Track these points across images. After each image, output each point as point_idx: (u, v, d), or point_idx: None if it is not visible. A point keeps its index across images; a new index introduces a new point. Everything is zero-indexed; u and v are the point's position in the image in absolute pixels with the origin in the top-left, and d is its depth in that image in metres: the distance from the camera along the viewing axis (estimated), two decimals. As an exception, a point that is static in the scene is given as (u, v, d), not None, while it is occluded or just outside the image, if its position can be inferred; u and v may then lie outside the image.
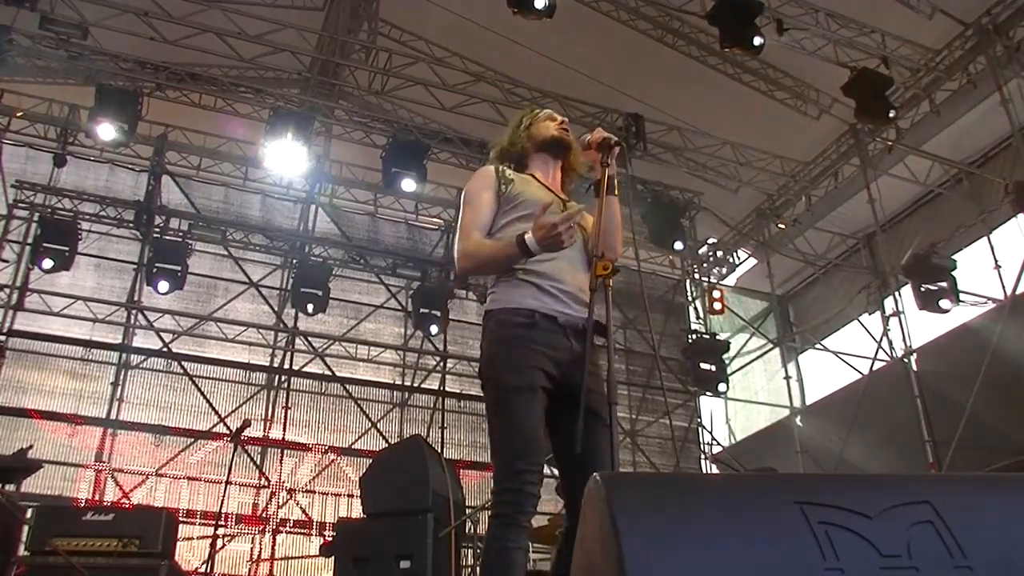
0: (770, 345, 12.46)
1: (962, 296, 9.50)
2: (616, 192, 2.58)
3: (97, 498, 8.64)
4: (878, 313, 10.43)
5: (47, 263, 9.04)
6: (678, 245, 10.73)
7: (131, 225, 9.95)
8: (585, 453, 2.06)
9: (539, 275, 2.47)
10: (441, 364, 11.21)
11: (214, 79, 9.78)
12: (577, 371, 2.25)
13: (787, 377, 11.89)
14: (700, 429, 12.05)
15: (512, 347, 2.39)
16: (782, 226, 11.65)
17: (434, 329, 10.74)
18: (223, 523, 8.49)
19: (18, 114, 10.15)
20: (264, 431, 9.87)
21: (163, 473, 9.16)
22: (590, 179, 2.64)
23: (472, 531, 5.62)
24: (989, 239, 9.69)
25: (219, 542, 8.08)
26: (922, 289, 9.38)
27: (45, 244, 9.06)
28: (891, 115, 9.17)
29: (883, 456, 9.57)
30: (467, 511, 5.68)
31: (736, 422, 12.81)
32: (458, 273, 2.66)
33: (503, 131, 2.94)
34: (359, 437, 10.20)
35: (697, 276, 12.57)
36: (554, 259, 2.47)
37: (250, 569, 8.78)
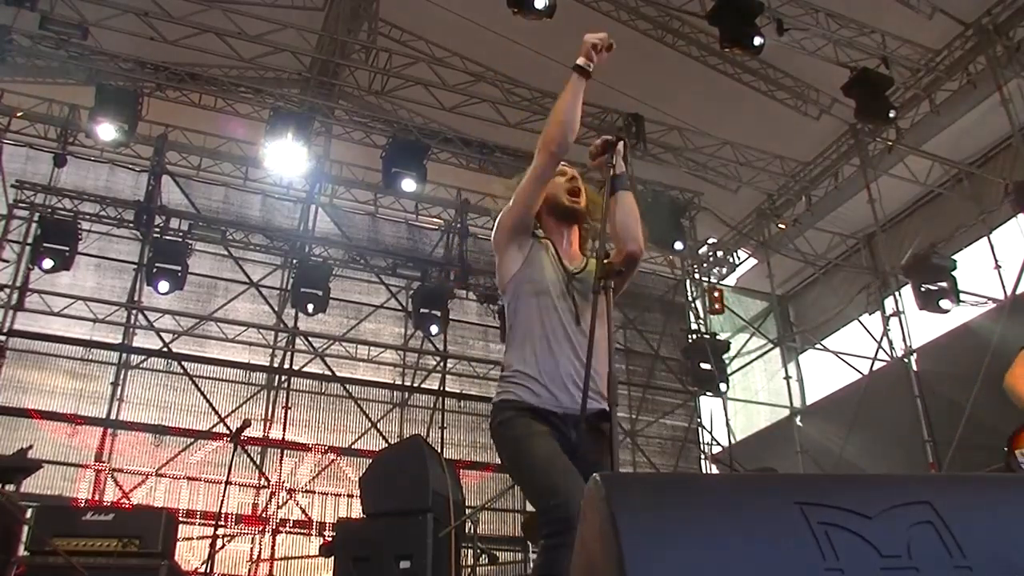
0: (770, 345, 12.46)
1: (962, 296, 9.50)
2: (629, 187, 2.61)
3: (97, 498, 8.64)
4: (878, 313, 10.44)
5: (47, 263, 9.04)
6: (678, 245, 10.74)
7: (131, 225, 9.95)
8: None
9: (536, 370, 2.48)
10: (441, 364, 11.21)
11: (214, 79, 9.78)
12: (576, 460, 2.31)
13: (787, 377, 11.89)
14: (700, 429, 12.05)
15: (518, 420, 2.44)
16: (782, 226, 11.65)
17: (434, 329, 10.73)
18: (223, 523, 8.50)
19: (18, 114, 10.14)
20: (264, 431, 9.86)
21: (163, 473, 9.16)
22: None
23: (472, 531, 5.61)
24: (989, 239, 9.69)
25: (219, 542, 8.08)
26: (922, 289, 9.38)
27: (45, 244, 9.05)
28: (891, 115, 9.17)
29: (883, 456, 9.58)
30: (467, 511, 5.68)
31: (736, 422, 12.80)
32: (553, 152, 2.61)
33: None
34: (359, 437, 10.20)
35: (697, 276, 12.57)
36: (556, 349, 2.49)
37: (250, 569, 8.78)
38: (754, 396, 12.75)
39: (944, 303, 9.35)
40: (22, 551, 5.00)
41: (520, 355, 2.53)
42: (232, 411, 9.78)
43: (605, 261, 2.36)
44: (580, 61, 2.58)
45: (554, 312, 2.54)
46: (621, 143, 2.60)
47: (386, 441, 10.07)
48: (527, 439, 2.39)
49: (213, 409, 9.71)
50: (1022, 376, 3.64)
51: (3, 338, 8.96)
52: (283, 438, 9.87)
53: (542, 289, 2.56)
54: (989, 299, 9.65)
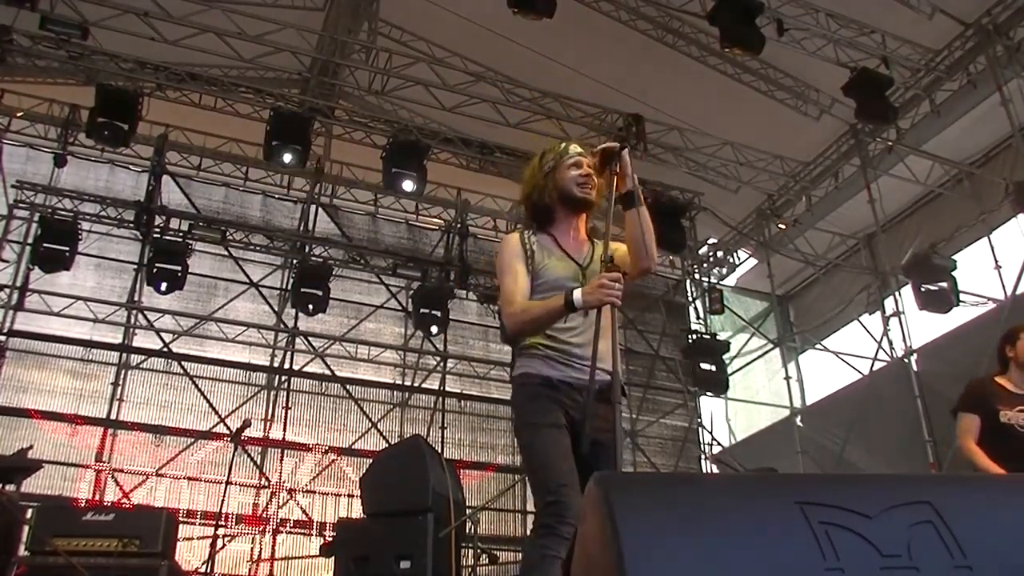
0: (770, 345, 12.46)
1: (962, 296, 9.50)
2: (639, 203, 2.61)
3: (97, 498, 8.64)
4: (878, 313, 10.43)
5: (47, 263, 9.04)
6: (678, 246, 10.73)
7: (131, 225, 9.94)
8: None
9: (553, 348, 2.64)
10: (441, 364, 11.21)
11: (214, 79, 9.78)
12: (588, 422, 2.43)
13: (787, 377, 11.88)
14: (700, 429, 12.05)
15: (534, 400, 2.60)
16: (782, 226, 11.65)
17: (434, 329, 10.74)
18: (223, 523, 8.50)
19: (18, 114, 10.14)
20: (264, 431, 9.86)
21: (163, 473, 9.16)
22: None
23: (472, 531, 5.61)
24: (989, 239, 9.69)
25: (219, 542, 8.08)
26: (922, 289, 9.38)
27: (45, 244, 9.05)
28: (891, 115, 9.17)
29: (883, 456, 9.58)
30: (467, 511, 5.68)
31: (736, 422, 12.81)
32: (510, 336, 2.77)
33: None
34: (359, 437, 10.20)
35: (697, 276, 12.57)
36: (571, 331, 2.64)
37: (250, 569, 8.77)
38: (754, 396, 12.75)
39: (944, 303, 9.35)
40: (22, 551, 5.01)
41: (536, 337, 2.66)
42: (232, 411, 9.78)
43: (608, 264, 2.43)
44: (576, 298, 2.47)
45: None
46: (625, 150, 2.57)
47: (386, 441, 10.07)
48: (541, 431, 2.53)
49: (213, 409, 9.71)
50: (967, 448, 3.73)
51: (3, 338, 8.96)
52: (283, 438, 9.87)
53: (555, 287, 2.64)
54: (989, 299, 9.65)
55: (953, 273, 9.49)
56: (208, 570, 6.96)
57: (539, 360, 2.63)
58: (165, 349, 10.00)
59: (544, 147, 2.92)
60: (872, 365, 10.27)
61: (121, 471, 9.02)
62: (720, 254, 12.70)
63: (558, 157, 2.79)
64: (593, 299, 2.43)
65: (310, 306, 10.08)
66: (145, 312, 10.07)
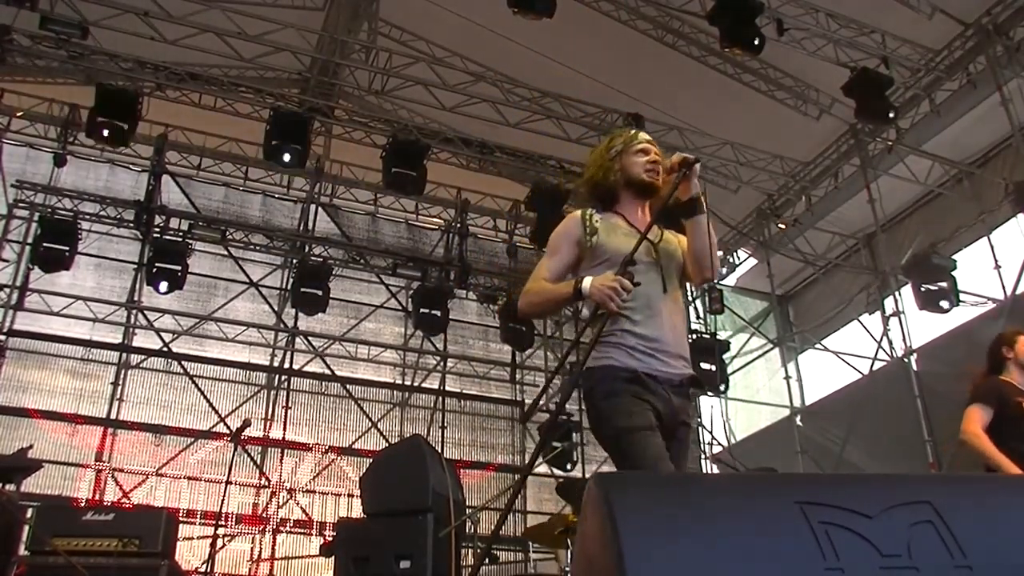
0: (770, 345, 12.46)
1: (962, 296, 9.50)
2: (703, 211, 2.61)
3: (97, 498, 8.63)
4: (878, 313, 10.43)
5: (47, 263, 9.04)
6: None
7: (131, 225, 9.94)
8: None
9: (637, 336, 2.55)
10: (441, 364, 11.22)
11: (214, 79, 9.77)
12: (673, 421, 2.54)
13: (787, 377, 11.88)
14: (700, 429, 12.05)
15: (620, 397, 2.49)
16: (782, 226, 11.65)
17: (434, 329, 10.74)
18: (223, 523, 8.50)
19: (18, 114, 10.14)
20: (264, 431, 9.86)
21: (163, 473, 9.15)
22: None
23: (472, 531, 5.61)
24: (989, 239, 9.69)
25: (219, 542, 8.08)
26: (922, 289, 9.38)
27: (45, 244, 9.04)
28: (891, 115, 9.17)
29: (883, 456, 9.57)
30: (467, 511, 5.68)
31: (736, 422, 12.80)
32: (520, 315, 2.76)
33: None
34: (359, 437, 10.20)
35: (697, 276, 12.54)
36: (652, 317, 2.58)
37: (250, 569, 8.78)
38: (754, 396, 12.74)
39: (944, 303, 9.35)
40: (22, 551, 5.00)
41: (616, 324, 2.55)
42: (232, 411, 9.78)
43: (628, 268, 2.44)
44: (585, 287, 2.45)
45: (645, 280, 2.55)
46: (697, 164, 2.58)
47: (386, 441, 10.07)
48: (634, 436, 2.44)
49: (213, 409, 9.71)
50: (975, 434, 3.74)
51: (3, 338, 8.96)
52: (283, 438, 9.87)
53: (623, 255, 2.55)
54: (989, 299, 9.65)
55: (953, 273, 9.49)
56: (208, 570, 6.96)
57: (623, 351, 2.53)
58: (165, 349, 10.00)
59: (612, 132, 2.93)
60: (872, 365, 10.27)
61: (121, 471, 9.01)
62: (720, 254, 12.70)
63: (627, 142, 2.79)
64: (597, 295, 2.39)
65: (310, 306, 10.07)
66: (145, 312, 10.07)
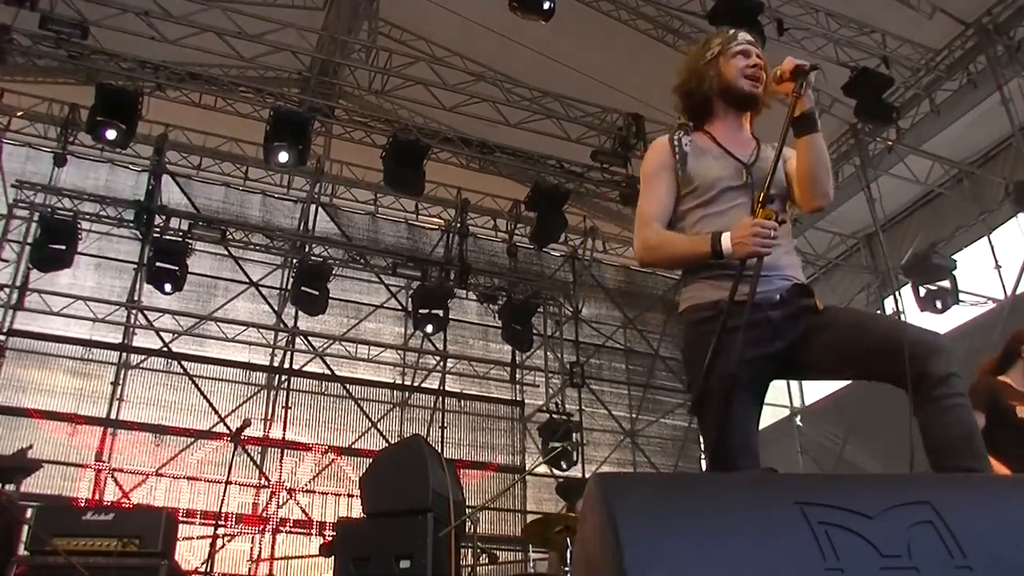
0: (770, 345, 12.45)
1: (962, 296, 9.50)
2: (817, 128, 2.28)
3: (97, 498, 8.63)
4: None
5: (47, 263, 9.04)
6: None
7: (131, 225, 9.94)
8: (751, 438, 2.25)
9: (724, 272, 2.24)
10: (441, 364, 11.22)
11: (214, 79, 9.77)
12: (778, 339, 2.25)
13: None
14: (700, 429, 12.05)
15: (701, 347, 2.18)
16: (782, 226, 11.64)
17: (429, 328, 10.74)
18: (223, 523, 8.50)
19: (18, 114, 10.14)
20: (264, 431, 9.86)
21: (163, 473, 9.16)
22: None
23: (472, 531, 5.61)
24: (989, 239, 9.70)
25: (219, 542, 8.08)
26: (922, 289, 9.38)
27: (45, 244, 9.04)
28: (891, 115, 9.17)
29: (883, 456, 9.58)
30: (467, 511, 5.68)
31: (736, 422, 12.79)
32: (639, 263, 2.52)
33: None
34: (359, 437, 10.20)
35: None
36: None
37: (250, 569, 8.77)
38: (754, 396, 12.74)
39: (944, 303, 9.35)
40: (22, 551, 5.00)
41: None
42: (232, 411, 9.78)
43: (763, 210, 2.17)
44: (726, 247, 2.16)
45: (735, 208, 2.31)
46: (814, 72, 2.24)
47: (386, 441, 10.07)
48: (728, 410, 2.15)
49: (213, 409, 9.71)
50: None
51: (3, 338, 8.96)
52: (283, 438, 9.87)
53: (712, 188, 2.35)
54: (989, 299, 9.65)
55: (953, 273, 9.49)
56: (208, 570, 6.97)
57: (706, 283, 2.28)
58: (165, 349, 10.00)
59: (709, 35, 2.61)
60: (872, 365, 10.26)
61: (121, 471, 9.01)
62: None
63: (725, 43, 2.46)
64: (744, 251, 2.11)
65: (310, 306, 10.07)
66: (145, 312, 10.07)
